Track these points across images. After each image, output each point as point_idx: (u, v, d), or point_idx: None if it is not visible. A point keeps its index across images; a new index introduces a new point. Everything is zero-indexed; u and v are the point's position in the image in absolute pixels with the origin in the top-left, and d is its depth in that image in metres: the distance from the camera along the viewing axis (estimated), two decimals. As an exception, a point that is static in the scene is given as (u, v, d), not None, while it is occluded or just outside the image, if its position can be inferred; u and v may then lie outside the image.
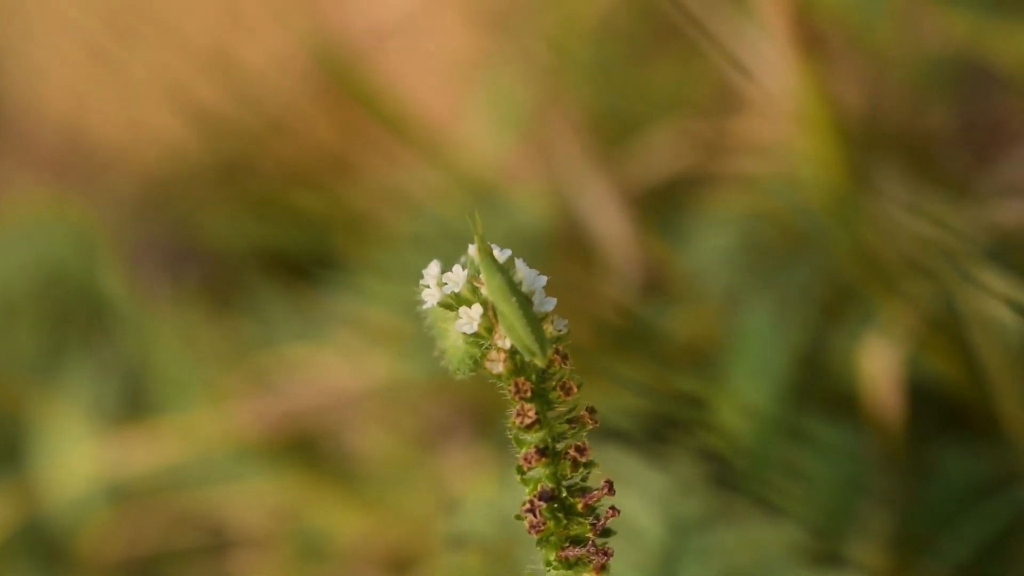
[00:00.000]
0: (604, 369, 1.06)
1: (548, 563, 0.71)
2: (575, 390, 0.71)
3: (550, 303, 0.71)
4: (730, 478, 0.90)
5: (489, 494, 0.94)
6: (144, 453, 1.35)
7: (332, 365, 1.36)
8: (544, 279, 0.71)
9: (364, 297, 1.39)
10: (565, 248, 1.18)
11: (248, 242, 1.60)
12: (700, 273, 1.17)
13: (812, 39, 1.09)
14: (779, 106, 1.13)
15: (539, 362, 0.69)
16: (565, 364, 0.70)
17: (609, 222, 1.18)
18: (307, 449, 1.38)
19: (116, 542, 1.38)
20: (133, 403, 1.42)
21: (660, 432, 0.92)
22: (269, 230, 1.60)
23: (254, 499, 1.37)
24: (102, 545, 1.38)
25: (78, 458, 1.37)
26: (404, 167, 1.33)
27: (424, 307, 0.72)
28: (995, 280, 1.03)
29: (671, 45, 1.44)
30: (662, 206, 1.27)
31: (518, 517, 0.71)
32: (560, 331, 0.71)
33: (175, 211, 1.67)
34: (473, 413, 1.38)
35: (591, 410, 0.71)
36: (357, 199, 1.57)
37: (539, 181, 1.30)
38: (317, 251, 1.55)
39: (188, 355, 1.43)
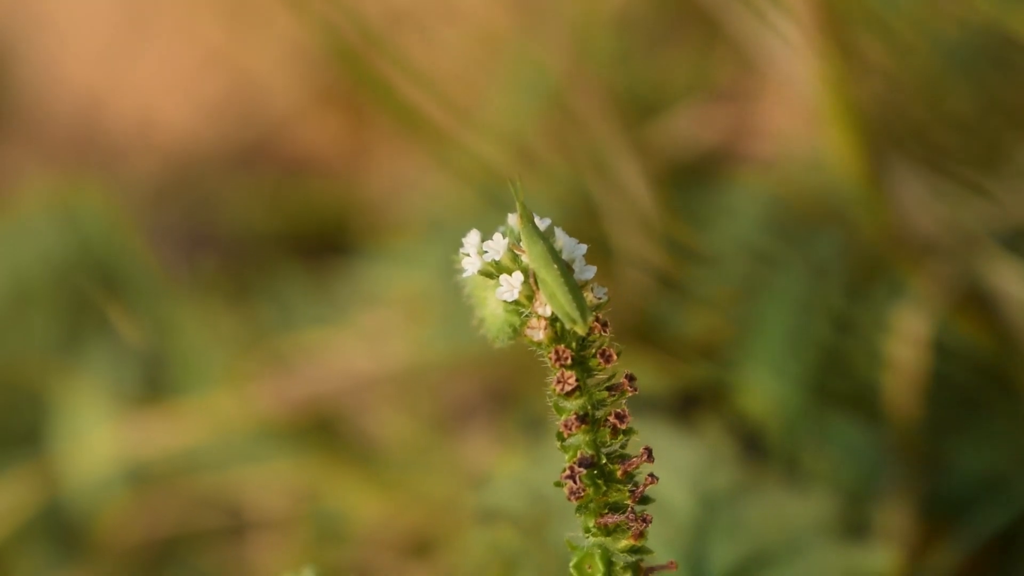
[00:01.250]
0: (633, 340, 1.07)
1: (587, 530, 0.72)
2: (615, 357, 0.71)
3: (590, 271, 0.71)
4: (759, 448, 0.91)
5: (518, 469, 0.95)
6: (163, 436, 1.35)
7: (351, 348, 1.37)
8: (584, 247, 0.71)
9: (383, 279, 1.40)
10: (590, 223, 1.19)
11: (266, 226, 1.60)
12: (725, 249, 1.17)
13: (832, 22, 1.10)
14: (800, 89, 1.13)
15: (580, 330, 0.70)
16: (605, 332, 0.71)
17: (634, 199, 1.18)
18: (326, 432, 1.38)
19: (135, 524, 1.39)
20: (153, 386, 1.43)
21: (690, 403, 0.92)
22: (287, 214, 1.60)
23: (273, 482, 1.37)
24: (121, 527, 1.38)
25: (98, 441, 1.37)
26: (422, 150, 1.33)
27: (464, 275, 0.72)
28: (1015, 260, 1.03)
29: (692, 30, 1.45)
30: (685, 187, 1.27)
31: (557, 484, 0.71)
32: (600, 299, 0.71)
33: (193, 196, 1.67)
34: (493, 395, 1.38)
35: (630, 377, 0.72)
36: (374, 182, 1.57)
37: (563, 160, 1.30)
38: (335, 234, 1.56)
39: (207, 338, 1.44)
